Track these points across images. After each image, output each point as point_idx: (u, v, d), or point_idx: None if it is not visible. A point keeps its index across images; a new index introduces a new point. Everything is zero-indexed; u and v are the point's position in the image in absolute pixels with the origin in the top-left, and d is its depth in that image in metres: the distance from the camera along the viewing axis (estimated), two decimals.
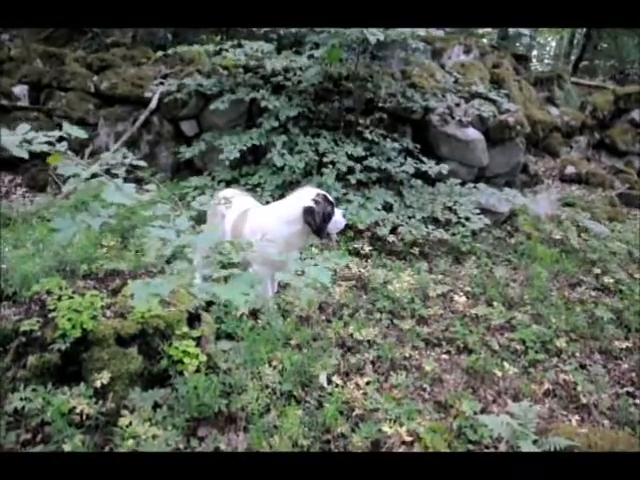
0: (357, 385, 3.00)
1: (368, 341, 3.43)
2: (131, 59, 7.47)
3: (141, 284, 1.77)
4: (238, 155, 5.42)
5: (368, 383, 3.05)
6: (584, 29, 16.31)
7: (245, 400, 2.67)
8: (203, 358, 2.83)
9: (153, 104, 6.48)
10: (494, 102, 6.85)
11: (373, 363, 3.29)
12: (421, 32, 5.56)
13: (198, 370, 2.71)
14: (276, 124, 5.65)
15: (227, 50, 5.90)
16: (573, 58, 17.41)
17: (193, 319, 3.08)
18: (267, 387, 2.82)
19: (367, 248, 4.72)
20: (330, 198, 3.52)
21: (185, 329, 2.91)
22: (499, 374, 3.31)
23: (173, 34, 8.59)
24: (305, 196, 3.42)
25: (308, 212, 3.34)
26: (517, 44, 19.25)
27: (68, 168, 2.06)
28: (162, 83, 6.37)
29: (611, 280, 4.75)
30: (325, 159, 5.31)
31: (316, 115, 6.19)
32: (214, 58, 6.40)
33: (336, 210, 3.50)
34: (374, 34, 5.08)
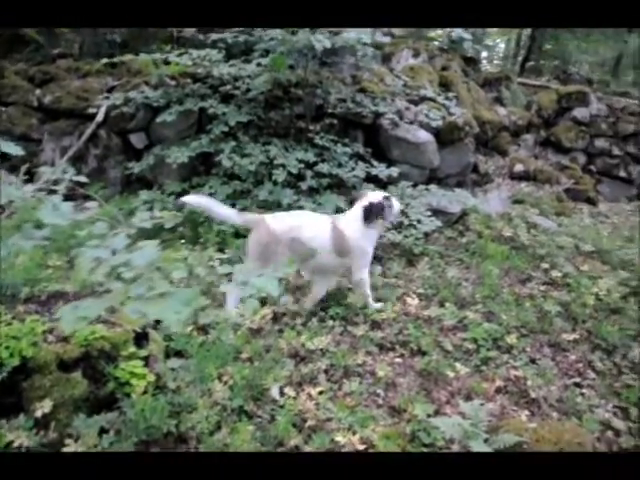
0: (310, 395, 2.99)
1: (321, 349, 3.43)
2: (76, 71, 7.29)
3: (69, 307, 1.72)
4: (186, 160, 5.36)
5: (321, 393, 3.05)
6: (529, 30, 16.78)
7: (195, 419, 2.63)
8: (151, 378, 2.77)
9: (100, 117, 6.34)
10: (443, 104, 6.97)
11: (326, 372, 3.29)
12: (367, 37, 5.56)
13: (146, 391, 2.66)
14: (226, 129, 5.60)
15: (175, 57, 5.82)
16: (520, 59, 17.86)
17: (141, 338, 3.01)
18: (217, 404, 2.78)
19: None
20: (385, 193, 4.24)
21: (132, 349, 2.84)
22: (452, 375, 3.36)
23: (122, 44, 8.43)
24: (364, 199, 4.03)
25: (366, 210, 3.93)
26: (467, 46, 19.72)
27: (5, 188, 2.00)
28: (108, 97, 6.25)
29: (559, 274, 4.88)
30: (275, 162, 5.28)
31: (266, 123, 6.17)
32: (161, 68, 6.31)
33: (393, 200, 4.11)
34: (320, 41, 5.10)
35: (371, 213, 3.91)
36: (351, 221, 3.97)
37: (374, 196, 4.06)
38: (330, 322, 3.80)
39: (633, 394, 3.42)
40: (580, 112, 8.66)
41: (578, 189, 7.65)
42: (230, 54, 6.54)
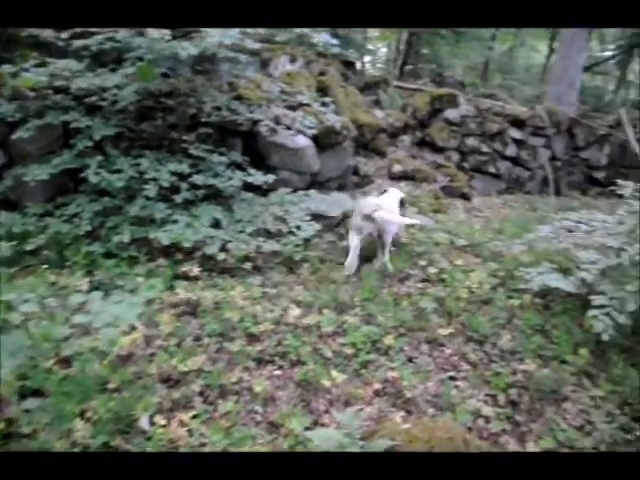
0: (182, 422, 2.85)
1: (195, 370, 3.29)
2: None
3: None
4: (47, 177, 4.98)
5: (195, 417, 2.92)
6: (406, 36, 17.51)
7: None
8: (1, 426, 2.52)
9: None
10: (320, 109, 7.03)
11: (201, 394, 3.16)
12: (230, 39, 5.39)
13: None
14: (91, 144, 5.28)
15: (27, 70, 5.41)
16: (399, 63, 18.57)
17: None
18: (77, 444, 2.57)
19: (196, 270, 4.55)
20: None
21: None
22: (329, 383, 3.35)
23: None
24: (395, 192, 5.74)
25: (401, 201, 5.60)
26: (350, 50, 20.25)
27: None
28: None
29: (435, 270, 5.06)
30: (146, 176, 5.05)
31: (138, 135, 5.89)
32: (16, 80, 5.83)
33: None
34: (185, 48, 4.95)
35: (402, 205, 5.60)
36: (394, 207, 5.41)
37: (398, 193, 5.78)
38: (206, 340, 3.67)
39: (501, 381, 3.60)
40: (451, 113, 9.11)
41: (453, 186, 8.04)
42: (101, 62, 6.19)
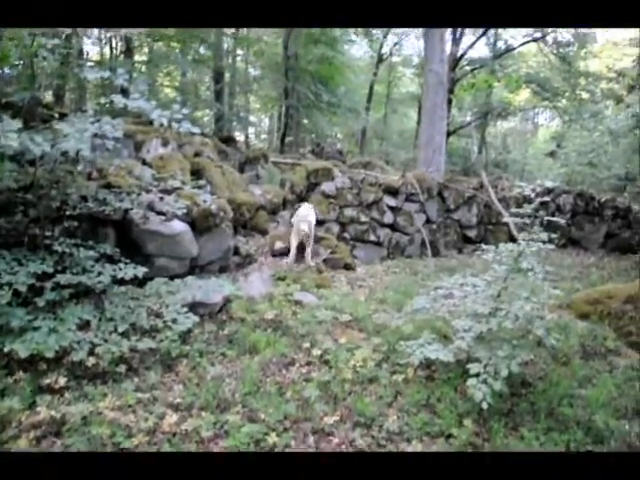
0: None
1: None
2: None
3: None
4: None
5: None
6: (283, 107, 18.14)
7: None
8: None
9: None
10: (195, 192, 6.93)
11: None
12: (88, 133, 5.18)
13: None
14: None
15: None
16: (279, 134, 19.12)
17: None
18: None
19: (62, 380, 4.15)
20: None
21: None
22: None
23: None
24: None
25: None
26: (235, 123, 20.64)
27: None
28: None
29: (319, 352, 5.00)
30: (0, 280, 4.63)
31: None
32: None
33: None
34: (39, 144, 4.69)
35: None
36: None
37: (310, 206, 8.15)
38: None
39: None
40: (327, 186, 9.40)
41: (336, 258, 8.18)
42: None
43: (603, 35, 22.78)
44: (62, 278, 4.94)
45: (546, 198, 5.24)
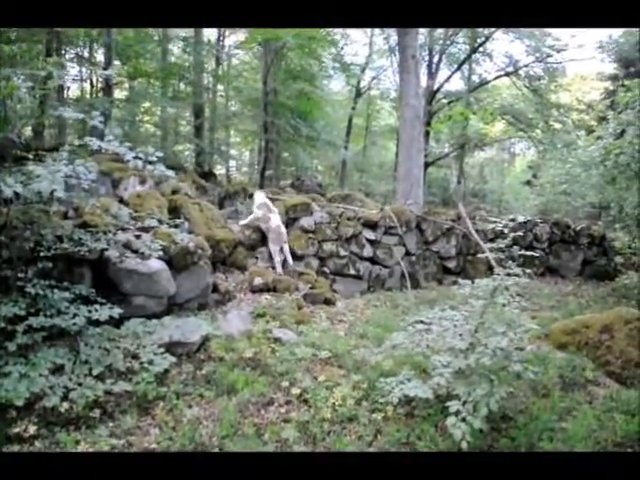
0: None
1: None
2: None
3: None
4: None
5: None
6: (263, 141, 18.31)
7: None
8: None
9: None
10: (172, 230, 6.91)
11: None
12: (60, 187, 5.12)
13: None
14: None
15: None
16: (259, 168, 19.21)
17: None
18: None
19: (32, 428, 4.04)
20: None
21: None
22: None
23: None
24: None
25: None
26: (215, 157, 20.75)
27: None
28: None
29: (298, 391, 4.94)
30: None
31: None
32: None
33: None
34: (11, 186, 4.66)
35: None
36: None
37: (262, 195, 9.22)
38: None
39: None
40: (306, 221, 9.42)
41: (315, 293, 8.15)
42: None
43: (572, 69, 23.61)
44: (35, 321, 4.87)
45: (519, 233, 5.33)
